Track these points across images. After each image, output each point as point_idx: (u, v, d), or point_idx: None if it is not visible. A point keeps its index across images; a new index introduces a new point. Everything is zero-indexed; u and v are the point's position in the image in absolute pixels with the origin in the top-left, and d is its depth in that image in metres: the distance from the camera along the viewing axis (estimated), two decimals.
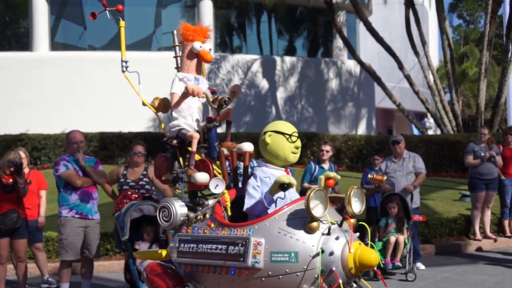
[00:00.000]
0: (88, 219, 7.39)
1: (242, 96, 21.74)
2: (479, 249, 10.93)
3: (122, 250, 7.72)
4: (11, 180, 7.39)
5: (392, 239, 8.63)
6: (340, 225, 3.75)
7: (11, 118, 19.51)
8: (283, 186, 3.82)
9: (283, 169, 4.12)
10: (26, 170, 8.08)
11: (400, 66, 21.34)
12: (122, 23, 4.69)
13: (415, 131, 27.65)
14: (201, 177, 4.17)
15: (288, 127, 4.11)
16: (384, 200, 9.03)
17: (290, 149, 4.07)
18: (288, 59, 24.16)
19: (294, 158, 4.10)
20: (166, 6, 22.74)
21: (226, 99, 4.28)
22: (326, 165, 9.80)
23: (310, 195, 3.65)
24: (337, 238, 3.70)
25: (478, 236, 10.97)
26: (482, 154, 10.73)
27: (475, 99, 27.23)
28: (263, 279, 3.68)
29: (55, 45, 21.62)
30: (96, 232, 7.49)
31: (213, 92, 4.60)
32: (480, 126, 14.69)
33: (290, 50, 25.44)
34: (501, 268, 9.33)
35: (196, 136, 4.31)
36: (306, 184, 9.25)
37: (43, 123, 18.97)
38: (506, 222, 11.38)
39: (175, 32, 4.66)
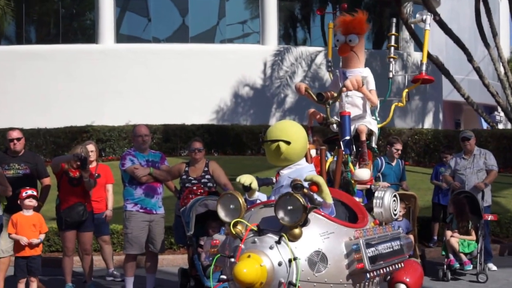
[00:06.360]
0: (152, 214, 7.38)
1: None
2: None
3: (186, 245, 7.68)
4: (77, 174, 7.45)
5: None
6: (259, 233, 3.61)
7: (76, 109, 19.75)
8: (244, 187, 3.92)
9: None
10: (93, 163, 8.14)
11: (470, 58, 20.69)
12: (330, 24, 5.39)
13: (484, 125, 26.81)
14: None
15: (270, 130, 4.03)
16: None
17: (267, 152, 4.04)
18: None
19: (272, 160, 4.03)
20: None
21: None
22: (393, 161, 9.64)
23: (219, 199, 3.74)
24: (236, 246, 3.64)
25: None
26: None
27: None
28: None
29: (120, 37, 21.86)
30: (160, 226, 7.48)
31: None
32: None
33: None
34: None
35: None
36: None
37: (107, 115, 19.15)
38: None
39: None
